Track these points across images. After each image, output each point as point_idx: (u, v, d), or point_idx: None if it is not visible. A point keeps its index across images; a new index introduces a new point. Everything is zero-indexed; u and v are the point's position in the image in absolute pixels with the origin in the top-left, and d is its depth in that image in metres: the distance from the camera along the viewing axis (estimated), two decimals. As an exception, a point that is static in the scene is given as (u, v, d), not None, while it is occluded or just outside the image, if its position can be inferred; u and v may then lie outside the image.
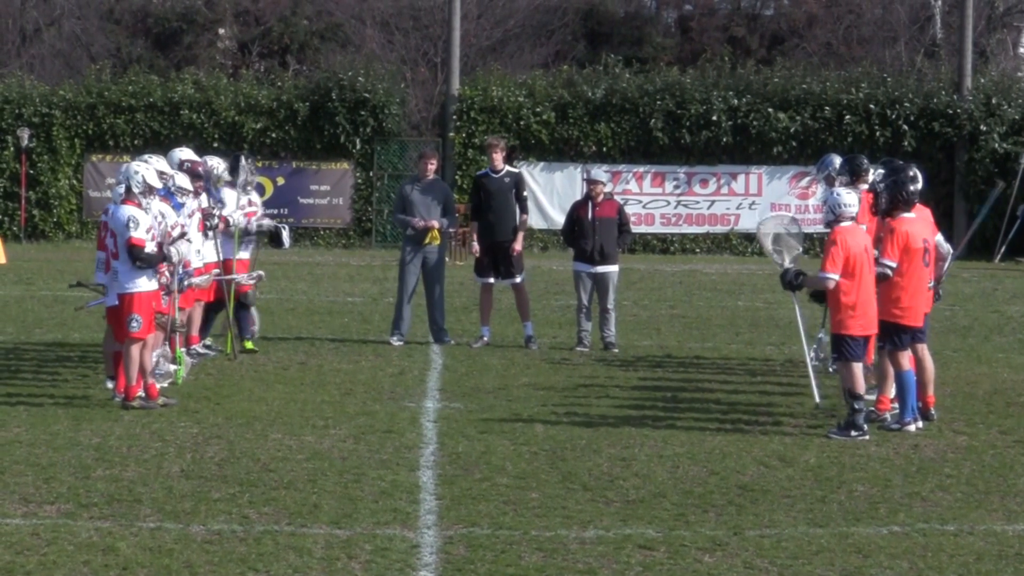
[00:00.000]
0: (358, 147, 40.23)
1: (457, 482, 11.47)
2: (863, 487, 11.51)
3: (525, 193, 20.14)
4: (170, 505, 10.55)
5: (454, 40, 41.51)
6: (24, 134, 39.53)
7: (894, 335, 13.83)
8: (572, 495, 11.10)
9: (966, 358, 18.91)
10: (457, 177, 39.40)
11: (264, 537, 9.75)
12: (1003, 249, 38.07)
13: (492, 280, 19.57)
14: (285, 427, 13.55)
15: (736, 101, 39.91)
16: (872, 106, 39.86)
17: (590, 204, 19.43)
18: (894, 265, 13.76)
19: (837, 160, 16.48)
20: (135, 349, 14.33)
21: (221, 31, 57.45)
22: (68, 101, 40.17)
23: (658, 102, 39.90)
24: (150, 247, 14.41)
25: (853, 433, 13.35)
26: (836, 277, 13.51)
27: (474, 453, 12.56)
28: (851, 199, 13.86)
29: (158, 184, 14.74)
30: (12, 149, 39.89)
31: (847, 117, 39.80)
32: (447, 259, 20.86)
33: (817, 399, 15.03)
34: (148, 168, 14.72)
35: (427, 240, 19.39)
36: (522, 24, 55.64)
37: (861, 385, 13.51)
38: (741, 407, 15.02)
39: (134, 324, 14.30)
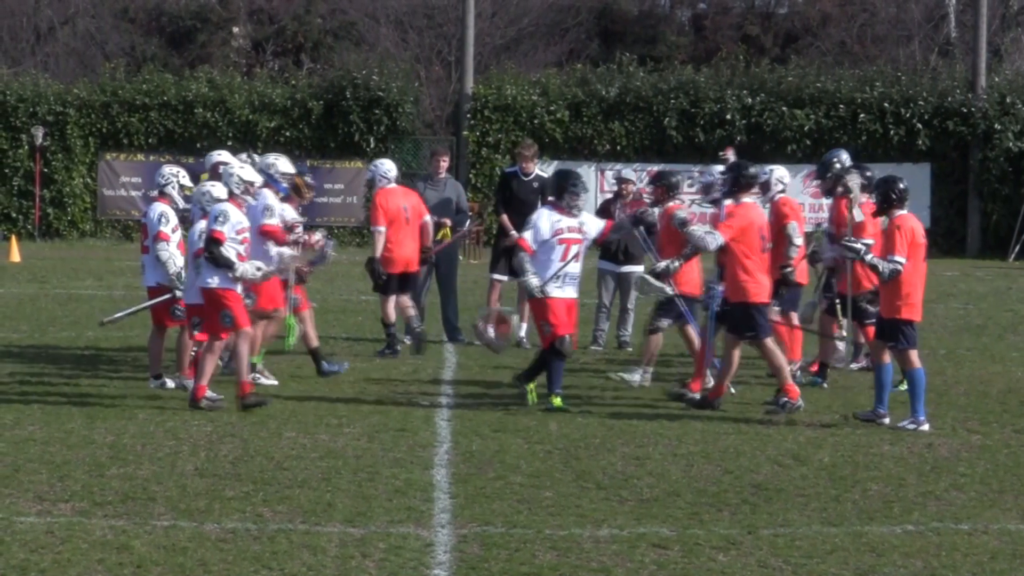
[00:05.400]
0: (372, 146, 40.23)
1: (471, 481, 11.46)
2: (877, 486, 11.50)
3: (551, 198, 19.85)
4: (184, 503, 10.56)
5: (468, 38, 41.51)
6: (38, 133, 39.61)
7: (902, 332, 13.77)
8: (586, 494, 11.10)
9: (980, 357, 18.87)
10: (471, 176, 39.39)
11: (278, 535, 9.75)
12: (1017, 248, 38.00)
13: (504, 278, 19.21)
14: (299, 425, 13.56)
15: (750, 100, 39.87)
16: (886, 105, 39.79)
17: (618, 203, 19.31)
18: (904, 261, 13.72)
19: (844, 155, 16.74)
20: (243, 345, 14.14)
21: (235, 29, 57.57)
22: (82, 99, 40.23)
23: (672, 101, 39.87)
24: (231, 250, 14.10)
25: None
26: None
27: (488, 452, 12.56)
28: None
29: (258, 179, 14.68)
30: (26, 148, 39.97)
31: (861, 116, 39.74)
32: (461, 257, 20.81)
33: (732, 389, 15.27)
34: (242, 167, 14.73)
35: (439, 236, 19.32)
36: (536, 23, 55.72)
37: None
38: (755, 406, 15.00)
39: (227, 320, 14.10)
